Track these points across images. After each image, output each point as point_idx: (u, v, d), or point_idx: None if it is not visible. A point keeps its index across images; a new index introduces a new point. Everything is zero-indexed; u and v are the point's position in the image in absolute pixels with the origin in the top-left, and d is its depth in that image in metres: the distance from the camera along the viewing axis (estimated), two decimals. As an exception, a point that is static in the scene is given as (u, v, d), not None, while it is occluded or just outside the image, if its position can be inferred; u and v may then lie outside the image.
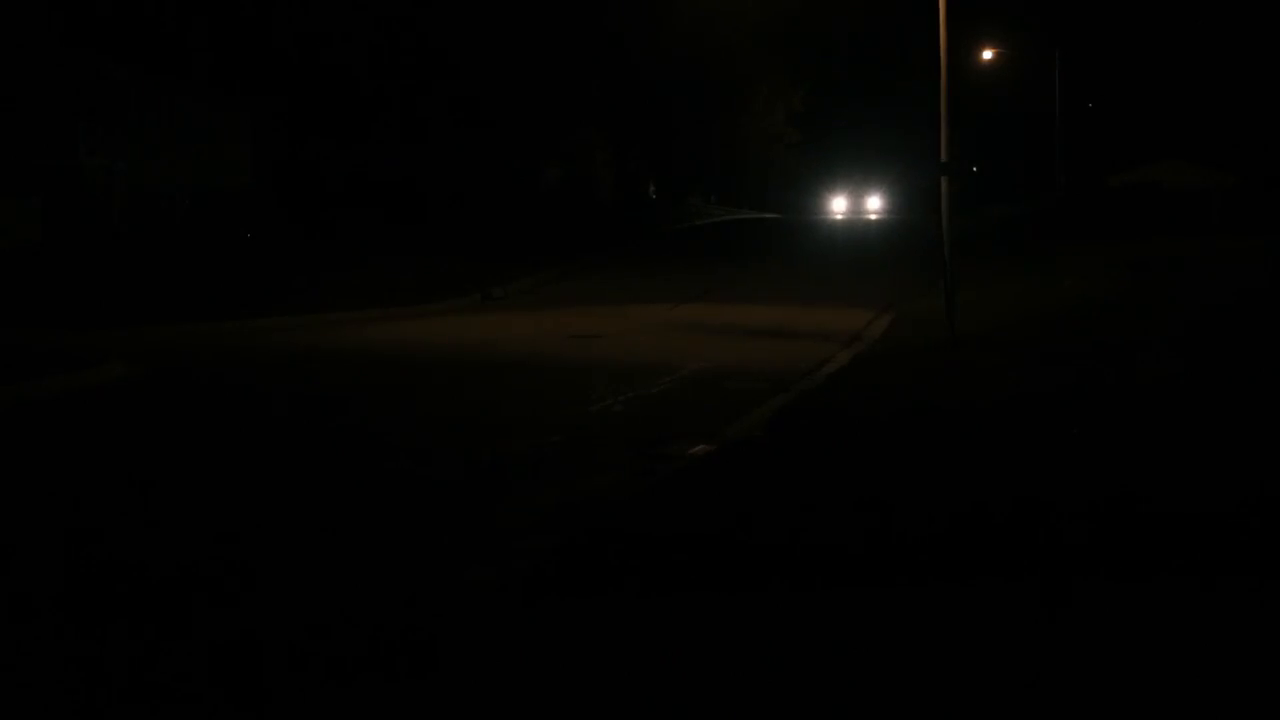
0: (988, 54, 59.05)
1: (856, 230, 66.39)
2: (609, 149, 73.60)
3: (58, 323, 24.88)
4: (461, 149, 62.51)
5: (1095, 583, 7.45)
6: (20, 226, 42.96)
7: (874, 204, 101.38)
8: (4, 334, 22.67)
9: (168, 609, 7.57)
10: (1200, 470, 10.08)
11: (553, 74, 64.11)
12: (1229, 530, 8.31)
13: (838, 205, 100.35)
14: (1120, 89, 72.27)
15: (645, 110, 71.52)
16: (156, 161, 49.88)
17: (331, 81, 59.03)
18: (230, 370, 19.33)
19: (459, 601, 7.67)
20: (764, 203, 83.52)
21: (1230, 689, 5.90)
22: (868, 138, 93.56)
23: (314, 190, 59.00)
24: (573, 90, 66.12)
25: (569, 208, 65.98)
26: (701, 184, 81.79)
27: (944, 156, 21.16)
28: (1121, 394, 14.17)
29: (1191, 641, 6.48)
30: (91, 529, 9.68)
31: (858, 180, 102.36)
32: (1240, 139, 64.27)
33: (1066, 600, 7.14)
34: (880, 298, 30.06)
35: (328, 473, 11.82)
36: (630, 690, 6.06)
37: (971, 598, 7.34)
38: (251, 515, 10.11)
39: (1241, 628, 6.66)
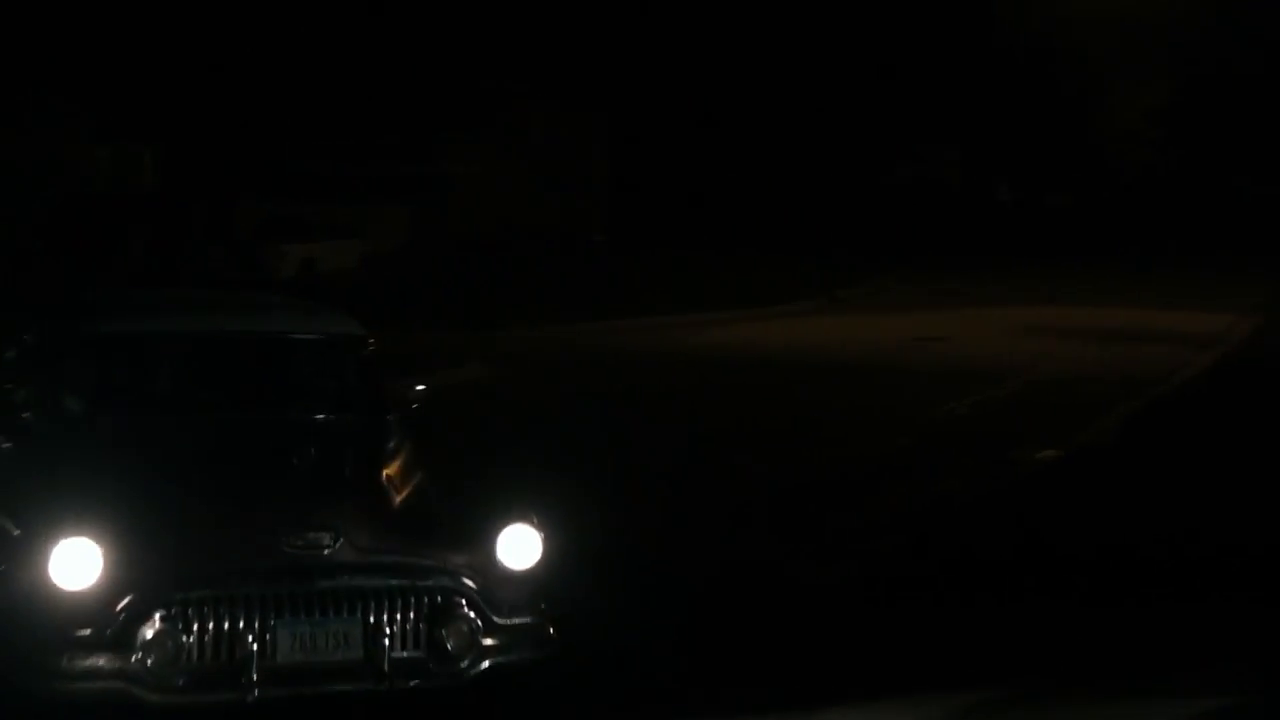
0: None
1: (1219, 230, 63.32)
2: (957, 149, 72.39)
3: (420, 325, 26.15)
4: (807, 151, 62.62)
5: None
6: (391, 233, 45.44)
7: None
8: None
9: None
10: None
11: (901, 72, 63.54)
12: None
13: None
14: None
15: (994, 109, 70.05)
16: (510, 170, 51.90)
17: (674, 87, 59.92)
18: (575, 370, 19.86)
19: (786, 600, 7.75)
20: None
21: None
22: (1246, 133, 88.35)
23: (665, 194, 60.07)
24: (921, 89, 65.35)
25: (915, 209, 65.23)
26: (1053, 186, 79.45)
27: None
28: None
29: None
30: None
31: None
32: None
33: None
34: (1247, 300, 28.68)
35: (672, 467, 12.06)
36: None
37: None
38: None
39: None
